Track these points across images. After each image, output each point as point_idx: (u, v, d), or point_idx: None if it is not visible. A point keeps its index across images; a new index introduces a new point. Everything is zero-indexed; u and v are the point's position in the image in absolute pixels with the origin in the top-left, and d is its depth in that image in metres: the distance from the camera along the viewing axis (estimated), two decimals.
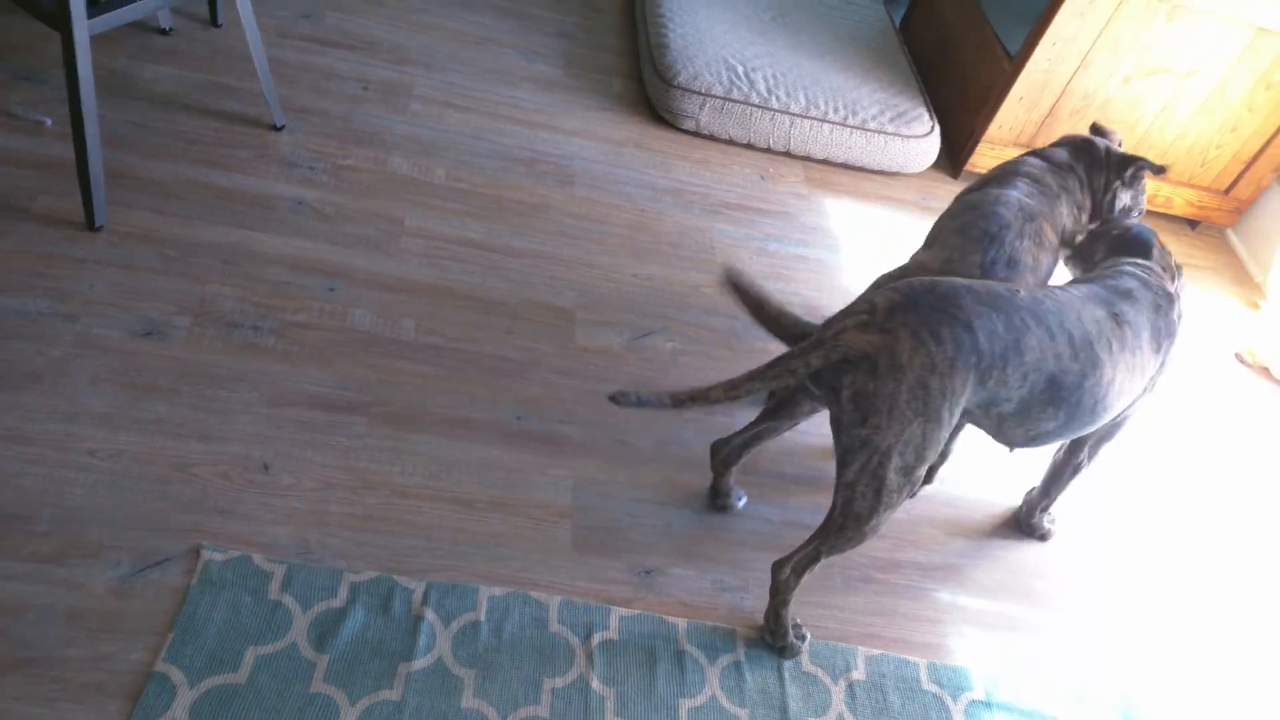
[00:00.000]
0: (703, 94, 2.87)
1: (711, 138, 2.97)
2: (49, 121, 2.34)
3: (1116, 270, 1.79)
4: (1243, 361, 2.87)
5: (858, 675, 1.79)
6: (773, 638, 1.76)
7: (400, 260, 2.27)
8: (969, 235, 1.83)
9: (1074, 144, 2.07)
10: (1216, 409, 2.67)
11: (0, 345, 1.85)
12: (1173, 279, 1.84)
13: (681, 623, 1.77)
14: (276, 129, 2.50)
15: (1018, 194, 1.90)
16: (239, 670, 1.51)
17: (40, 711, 1.41)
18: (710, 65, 2.91)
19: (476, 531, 1.81)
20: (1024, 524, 2.14)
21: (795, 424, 1.81)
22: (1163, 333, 1.73)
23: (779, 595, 1.71)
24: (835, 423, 1.51)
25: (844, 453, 1.51)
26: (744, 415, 2.16)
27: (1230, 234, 3.37)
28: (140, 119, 2.42)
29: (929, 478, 2.15)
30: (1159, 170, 1.98)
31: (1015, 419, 1.61)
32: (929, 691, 1.80)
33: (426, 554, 1.75)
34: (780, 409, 1.77)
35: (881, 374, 1.43)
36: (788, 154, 3.02)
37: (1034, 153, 2.06)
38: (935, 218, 2.99)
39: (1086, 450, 1.94)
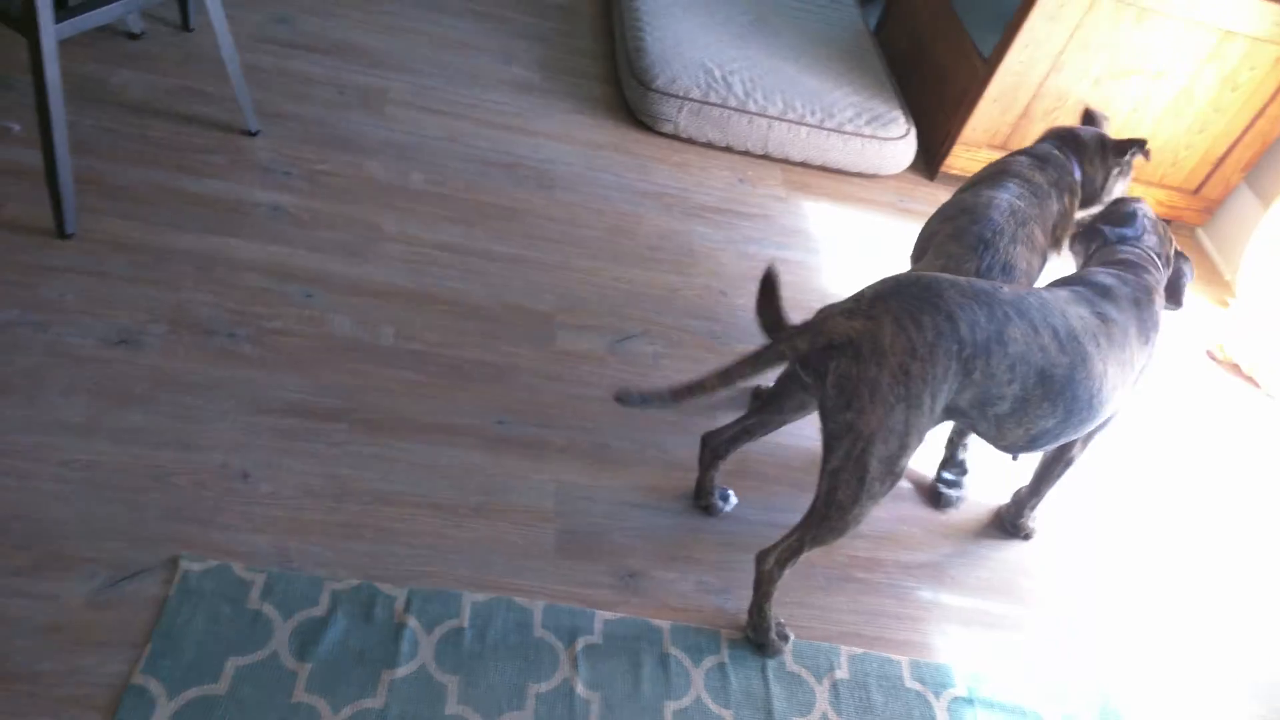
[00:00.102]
0: (681, 97, 2.87)
1: (690, 141, 2.98)
2: (17, 127, 2.31)
3: (1093, 271, 1.81)
4: (1214, 358, 2.91)
5: (841, 674, 1.79)
6: (755, 633, 1.76)
7: (378, 265, 2.25)
8: (963, 242, 1.85)
9: (1059, 137, 2.10)
10: (1190, 406, 2.70)
11: None
12: (1165, 256, 1.87)
13: (665, 625, 1.77)
14: (251, 134, 2.48)
15: (1009, 196, 1.92)
16: (219, 681, 1.49)
17: None
18: (688, 69, 2.91)
19: (459, 537, 1.79)
20: (1007, 522, 2.15)
21: (784, 420, 1.81)
22: (1148, 324, 1.76)
23: (762, 588, 1.71)
24: (822, 409, 1.54)
25: (829, 439, 1.53)
26: (726, 418, 2.16)
27: (1201, 233, 3.41)
28: (111, 124, 2.39)
29: (944, 499, 2.15)
30: (1147, 153, 2.04)
31: (1013, 419, 1.63)
32: (912, 689, 1.81)
33: (408, 560, 1.73)
34: (770, 403, 1.78)
35: (865, 358, 1.46)
36: (766, 157, 3.03)
37: (1023, 151, 2.08)
38: (913, 219, 3.01)
39: (1079, 441, 1.95)
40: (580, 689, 1.64)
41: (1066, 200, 2.02)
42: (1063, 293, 1.70)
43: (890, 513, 2.11)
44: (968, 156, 3.12)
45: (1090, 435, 1.94)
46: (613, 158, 2.83)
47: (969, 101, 3.01)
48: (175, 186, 2.28)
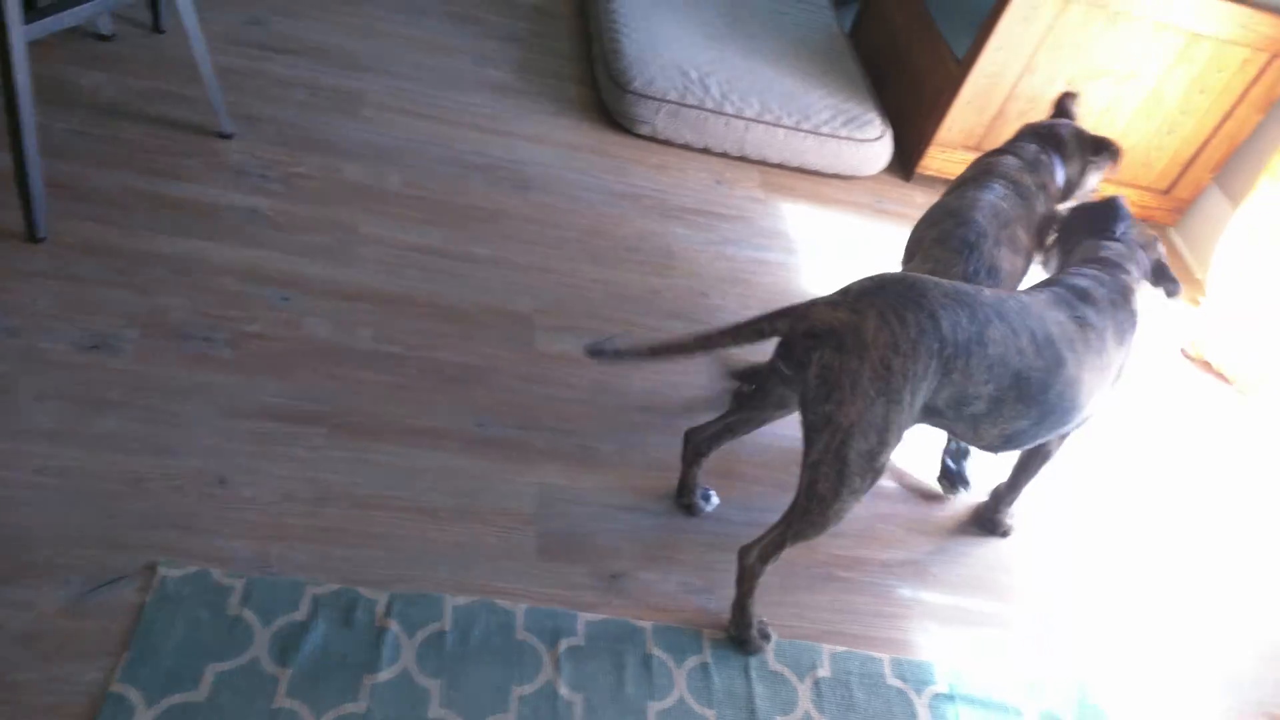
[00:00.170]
0: (658, 99, 2.87)
1: (667, 143, 2.98)
2: None
3: (1071, 272, 1.82)
4: (1187, 356, 2.95)
5: (823, 672, 1.80)
6: (737, 630, 1.77)
7: (356, 268, 2.24)
8: (949, 246, 1.87)
9: (1038, 134, 2.12)
10: (1163, 402, 2.73)
11: None
12: (1144, 251, 1.89)
13: (648, 626, 1.77)
14: (225, 137, 2.46)
15: (993, 197, 1.94)
16: (199, 688, 1.48)
17: None
18: (664, 71, 2.92)
19: (440, 540, 1.79)
20: (985, 520, 2.17)
21: (767, 417, 1.82)
22: (1124, 326, 1.78)
23: (745, 584, 1.72)
24: (802, 402, 1.55)
25: (809, 431, 1.54)
26: (706, 417, 2.17)
27: (1172, 233, 3.46)
28: (82, 127, 2.36)
29: (958, 478, 2.16)
30: (1117, 161, 2.09)
31: (988, 419, 1.64)
32: (893, 686, 1.82)
33: (389, 564, 1.72)
34: (752, 398, 1.79)
35: (847, 350, 1.48)
36: (743, 159, 3.04)
37: (1005, 149, 2.10)
38: (890, 221, 3.03)
39: (1057, 438, 1.97)
40: (563, 690, 1.63)
41: (1050, 202, 2.05)
42: (1043, 296, 1.72)
43: (870, 511, 2.12)
44: (943, 158, 3.15)
45: (1067, 433, 1.96)
46: (590, 159, 2.83)
47: (944, 103, 3.04)
48: (148, 190, 2.26)
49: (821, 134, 2.99)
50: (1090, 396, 1.73)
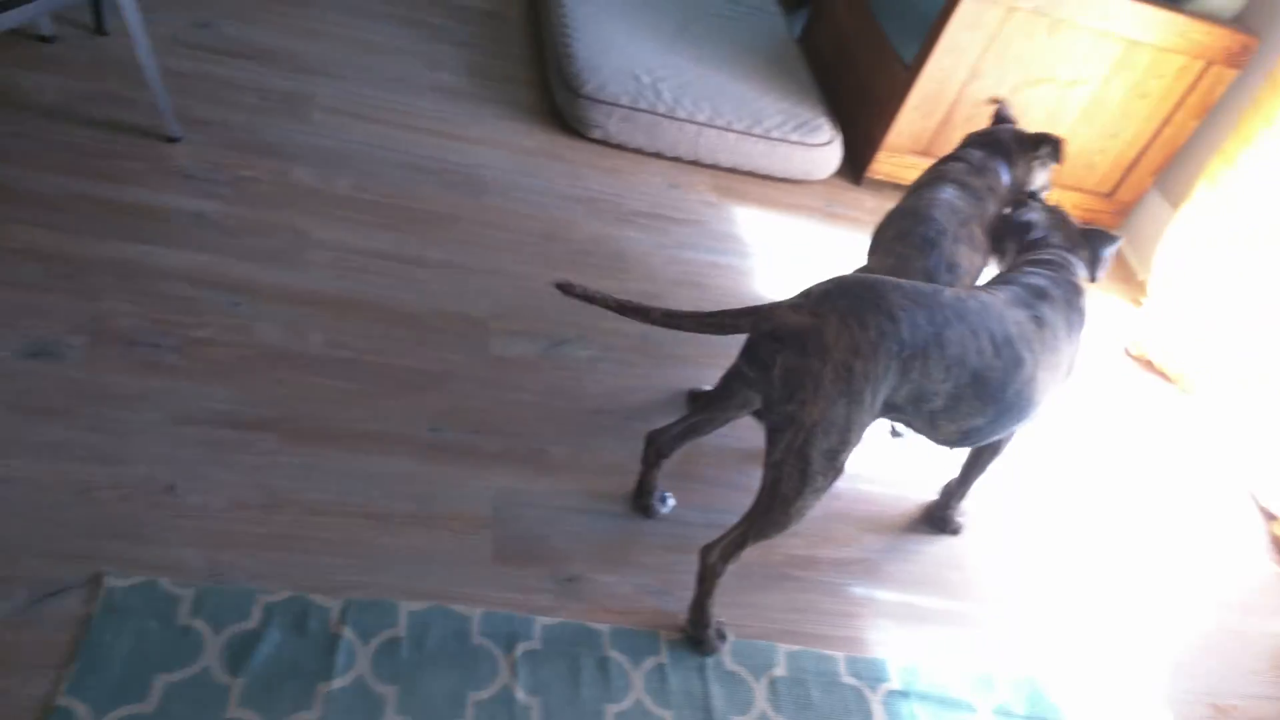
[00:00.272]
0: (610, 103, 2.88)
1: (620, 147, 2.99)
2: None
3: (1026, 270, 1.86)
4: (1130, 355, 3.02)
5: (779, 671, 1.81)
6: (694, 630, 1.78)
7: (307, 273, 2.22)
8: (909, 242, 1.91)
9: (982, 140, 2.17)
10: (1107, 401, 2.79)
11: None
12: (1074, 242, 1.94)
13: (605, 628, 1.77)
14: (172, 140, 2.42)
15: (949, 197, 1.99)
16: (147, 699, 1.45)
17: None
18: (617, 75, 2.93)
19: (394, 546, 1.77)
20: (936, 518, 2.20)
21: (728, 417, 1.84)
22: (1075, 322, 1.83)
23: (705, 583, 1.73)
24: (766, 402, 1.58)
25: (772, 431, 1.57)
26: (664, 419, 2.17)
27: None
28: (21, 129, 2.31)
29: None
30: (1061, 155, 2.13)
31: (946, 415, 1.68)
32: (848, 684, 1.84)
33: (343, 571, 1.71)
34: (714, 400, 1.80)
35: (809, 353, 1.51)
36: (696, 163, 3.06)
37: (953, 157, 2.15)
38: (840, 224, 3.06)
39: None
40: (520, 695, 1.63)
41: (999, 204, 2.09)
42: (1003, 295, 1.76)
43: (823, 511, 2.14)
44: (892, 162, 3.19)
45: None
46: (543, 163, 2.82)
47: (892, 108, 3.08)
48: (93, 194, 2.21)
49: (772, 139, 3.02)
50: (1045, 393, 1.77)
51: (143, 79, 2.57)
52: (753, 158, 3.04)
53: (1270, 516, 2.61)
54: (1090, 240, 1.97)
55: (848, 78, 3.42)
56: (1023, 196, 2.10)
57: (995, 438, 1.81)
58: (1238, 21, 3.02)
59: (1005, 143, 2.17)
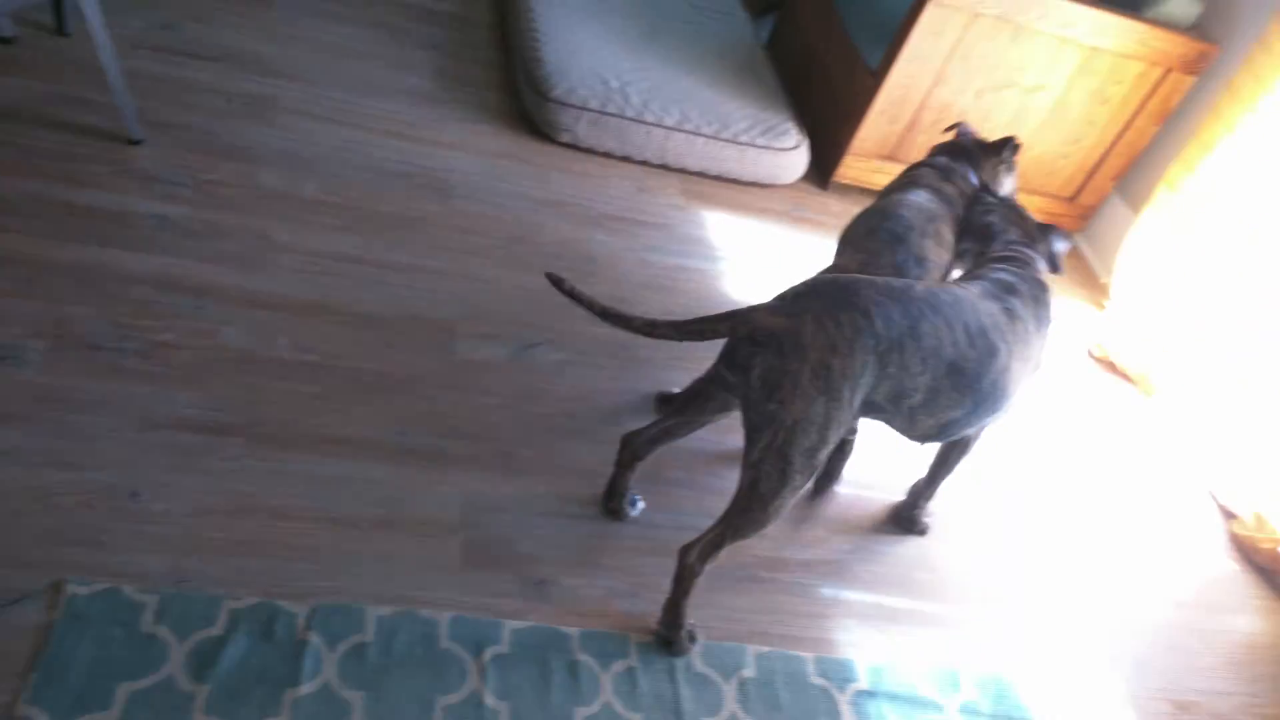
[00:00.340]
0: (579, 107, 2.88)
1: (589, 151, 2.99)
2: None
3: (993, 267, 1.90)
4: (1093, 357, 3.06)
5: (748, 673, 1.82)
6: (668, 630, 1.78)
7: (272, 276, 2.20)
8: (878, 238, 1.96)
9: (949, 150, 2.24)
10: (1071, 401, 2.83)
11: None
12: (1032, 238, 1.99)
13: (574, 632, 1.77)
14: (134, 143, 2.40)
15: (918, 198, 2.05)
16: (111, 708, 1.43)
17: None
18: (585, 79, 2.93)
19: (362, 551, 1.76)
20: (904, 518, 2.22)
21: (705, 420, 1.86)
22: (1043, 317, 1.87)
23: (683, 582, 1.74)
24: (745, 403, 1.60)
25: (752, 431, 1.59)
26: (633, 423, 2.18)
27: (1078, 238, 3.59)
28: None
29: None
30: (1017, 148, 2.23)
31: (925, 410, 1.70)
32: (817, 685, 1.85)
33: (310, 577, 1.69)
34: (691, 403, 1.82)
35: (788, 353, 1.53)
36: (664, 167, 3.07)
37: (923, 163, 2.22)
38: (807, 228, 3.08)
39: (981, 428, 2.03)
40: (489, 700, 1.63)
41: (969, 198, 2.15)
42: (974, 288, 1.80)
43: (792, 513, 2.15)
44: (859, 167, 3.22)
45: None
46: (511, 167, 2.82)
47: (858, 113, 3.11)
48: (53, 196, 2.18)
49: (740, 143, 3.03)
50: (1018, 384, 1.82)
51: (105, 81, 2.53)
52: (721, 162, 3.05)
53: (1229, 515, 2.66)
54: (1046, 234, 2.02)
55: (814, 83, 3.45)
56: (980, 194, 2.14)
57: (971, 430, 1.85)
58: (1196, 29, 3.08)
59: (971, 150, 2.23)
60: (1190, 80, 3.10)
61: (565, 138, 2.94)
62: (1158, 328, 2.95)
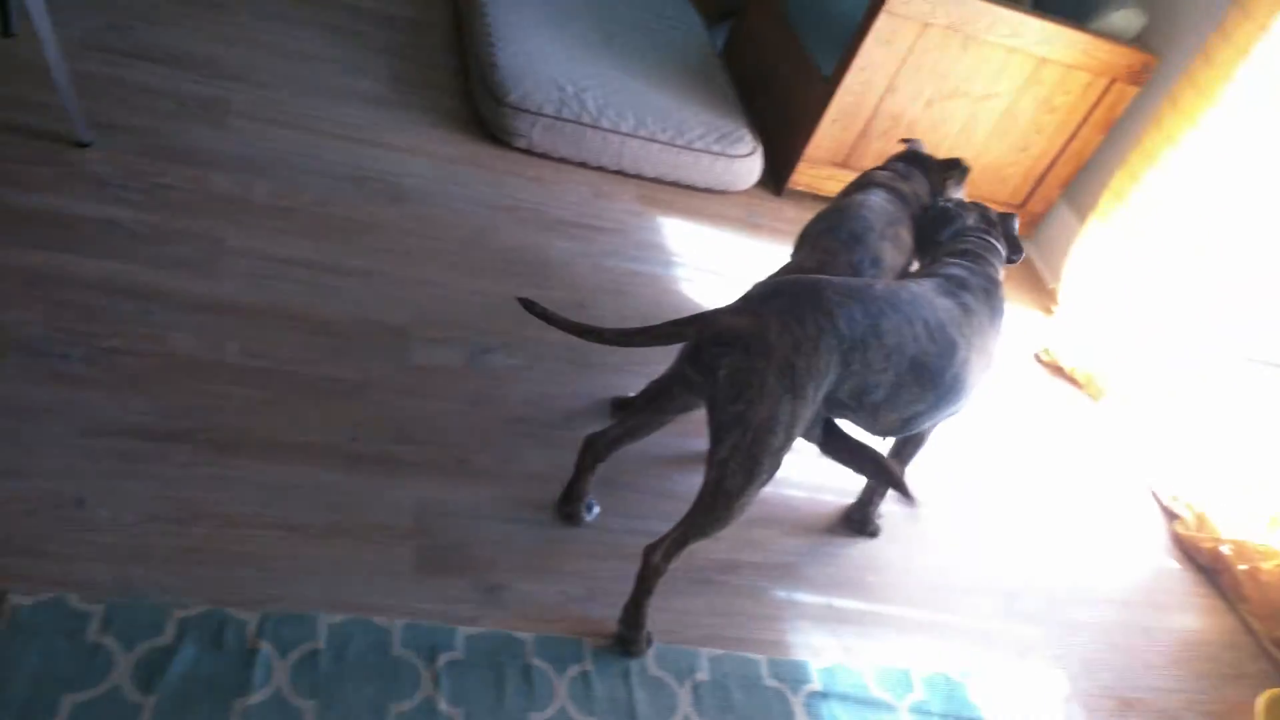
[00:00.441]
0: (534, 113, 2.89)
1: (545, 156, 3.00)
2: None
3: (946, 262, 1.95)
4: (1040, 361, 3.12)
5: (702, 676, 1.83)
6: (628, 630, 1.79)
7: (222, 281, 2.18)
8: (837, 237, 1.99)
9: (905, 158, 2.32)
10: (1019, 405, 2.88)
11: None
12: (992, 224, 2.07)
13: (529, 637, 1.77)
14: (82, 145, 2.36)
15: (876, 199, 2.10)
16: None
17: None
18: (541, 85, 2.93)
19: (313, 558, 1.75)
20: (855, 520, 2.25)
21: (665, 420, 1.89)
22: (996, 311, 1.92)
23: (646, 582, 1.75)
24: (711, 403, 1.63)
25: (718, 430, 1.61)
26: (587, 427, 2.18)
27: (1027, 245, 3.65)
28: None
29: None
30: (965, 170, 2.31)
31: (888, 405, 1.75)
32: (770, 687, 1.86)
33: (261, 584, 1.68)
34: (652, 403, 1.85)
35: (754, 354, 1.57)
36: (620, 172, 3.08)
37: (880, 168, 2.28)
38: (762, 234, 3.11)
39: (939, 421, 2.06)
40: (443, 706, 1.62)
41: (924, 203, 2.21)
42: (928, 284, 1.84)
43: (745, 516, 2.16)
44: (812, 174, 3.25)
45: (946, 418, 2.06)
46: (466, 172, 2.82)
47: (811, 121, 3.14)
48: None
49: (695, 149, 3.05)
50: (977, 377, 1.86)
51: (51, 82, 2.49)
52: (676, 168, 3.07)
53: (1171, 515, 2.72)
54: (1004, 220, 2.10)
55: (769, 91, 3.48)
56: (938, 198, 2.20)
57: (933, 423, 1.89)
58: (1139, 41, 3.16)
59: (922, 158, 2.31)
60: (1134, 90, 3.17)
61: (520, 143, 2.94)
62: (1104, 333, 3.02)
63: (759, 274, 2.14)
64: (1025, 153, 3.31)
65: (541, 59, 3.05)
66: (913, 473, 2.21)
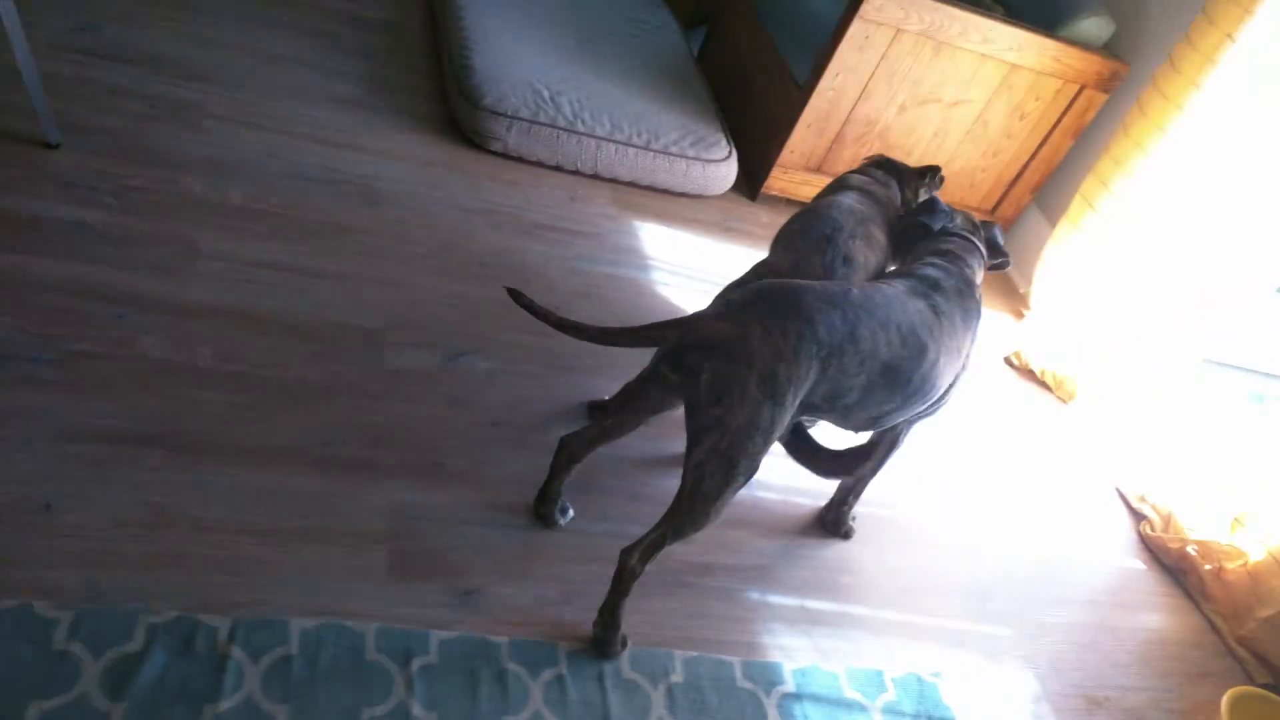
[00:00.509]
0: (510, 116, 2.89)
1: (520, 159, 3.00)
2: None
3: (921, 263, 1.97)
4: (1011, 365, 3.15)
5: (676, 678, 1.84)
6: (604, 632, 1.79)
7: (194, 284, 2.16)
8: (809, 238, 2.02)
9: (879, 163, 2.36)
10: (991, 408, 2.91)
11: None
12: (979, 236, 2.10)
13: (503, 641, 1.77)
14: (51, 146, 2.34)
15: (849, 201, 2.13)
16: None
17: None
18: (516, 88, 2.93)
19: (286, 563, 1.74)
20: (828, 521, 2.26)
21: (641, 421, 1.90)
22: (970, 312, 1.95)
23: (623, 584, 1.75)
24: (690, 406, 1.64)
25: (696, 433, 1.63)
26: (559, 429, 2.18)
27: None
28: None
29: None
30: (940, 180, 2.36)
31: (859, 406, 1.78)
32: (744, 688, 1.87)
33: (232, 590, 1.67)
34: (628, 403, 1.86)
35: (736, 359, 1.58)
36: (596, 176, 3.08)
37: (855, 171, 2.32)
38: (737, 239, 3.13)
39: (904, 425, 2.08)
40: (416, 710, 1.62)
41: (898, 206, 2.25)
42: (901, 285, 1.86)
43: (719, 517, 2.17)
44: (786, 178, 3.27)
45: (915, 420, 2.08)
46: (442, 175, 2.81)
47: (786, 126, 3.16)
48: None
49: (671, 154, 3.06)
50: (947, 378, 1.89)
51: (19, 82, 2.47)
52: (652, 172, 3.08)
53: (1139, 516, 2.76)
54: (986, 227, 2.13)
55: (744, 96, 3.50)
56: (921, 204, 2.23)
57: (905, 419, 1.92)
58: (1107, 48, 3.20)
59: (895, 164, 2.35)
60: (1103, 97, 3.22)
61: (496, 146, 2.94)
62: (1074, 337, 3.05)
63: (734, 278, 2.16)
64: (996, 158, 3.35)
65: (517, 62, 3.05)
66: (886, 475, 2.23)
